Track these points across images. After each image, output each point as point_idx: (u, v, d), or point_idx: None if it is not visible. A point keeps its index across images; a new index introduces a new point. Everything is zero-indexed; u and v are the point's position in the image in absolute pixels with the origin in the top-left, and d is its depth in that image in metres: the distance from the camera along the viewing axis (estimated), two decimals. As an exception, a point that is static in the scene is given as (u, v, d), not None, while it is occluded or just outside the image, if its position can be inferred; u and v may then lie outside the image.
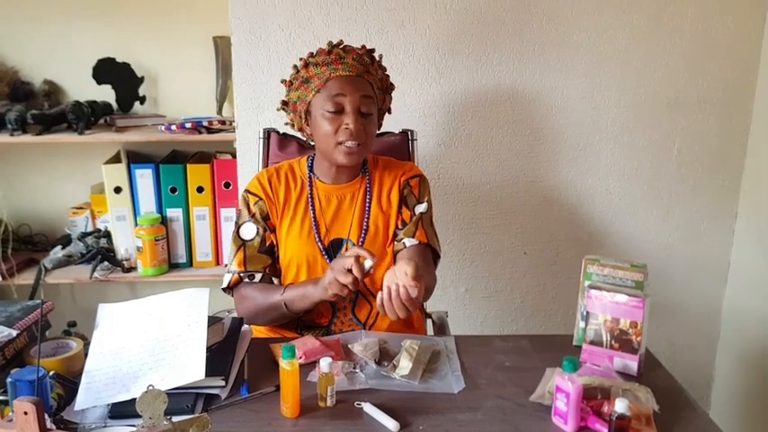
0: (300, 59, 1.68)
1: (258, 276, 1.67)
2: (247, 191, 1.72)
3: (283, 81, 1.72)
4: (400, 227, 1.72)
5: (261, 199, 1.69)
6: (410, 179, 1.75)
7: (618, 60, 2.25)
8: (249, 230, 1.68)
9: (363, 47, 1.68)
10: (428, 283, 1.65)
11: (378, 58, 1.70)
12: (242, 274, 1.66)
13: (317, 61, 1.64)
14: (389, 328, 1.69)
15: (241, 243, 1.68)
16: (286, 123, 1.77)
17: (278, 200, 1.70)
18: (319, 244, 1.68)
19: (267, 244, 1.69)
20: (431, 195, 1.79)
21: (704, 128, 2.33)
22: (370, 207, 1.71)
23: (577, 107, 2.29)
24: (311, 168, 1.74)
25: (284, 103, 1.73)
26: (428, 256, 1.73)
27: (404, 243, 1.70)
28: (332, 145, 1.62)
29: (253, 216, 1.69)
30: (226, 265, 1.74)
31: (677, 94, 2.29)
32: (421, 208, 1.73)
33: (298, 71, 1.68)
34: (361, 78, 1.62)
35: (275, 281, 1.72)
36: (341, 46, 1.66)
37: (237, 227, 1.70)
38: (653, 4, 2.21)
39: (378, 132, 1.77)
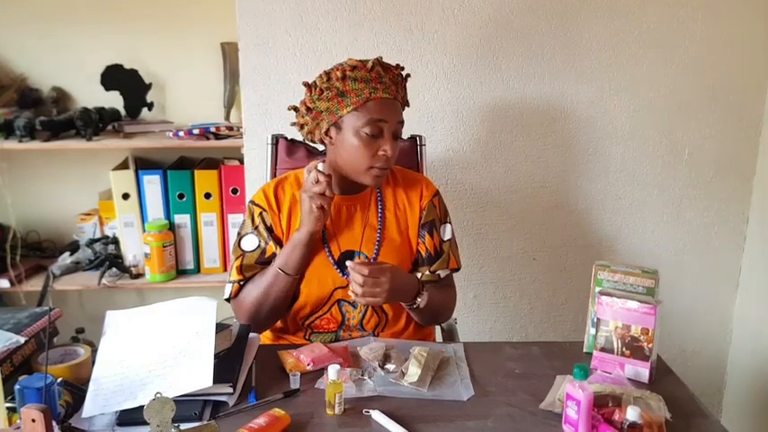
0: (337, 69, 1.56)
1: None
2: (252, 201, 1.70)
3: (306, 84, 1.61)
4: (433, 254, 1.71)
5: (264, 210, 1.67)
6: (433, 198, 1.74)
7: (627, 64, 2.24)
8: (250, 242, 1.67)
9: (398, 66, 1.63)
10: (446, 303, 1.75)
11: (404, 77, 1.66)
12: (241, 283, 1.66)
13: (356, 76, 1.54)
14: (397, 336, 1.69)
15: (240, 253, 1.67)
16: (293, 124, 1.69)
17: (282, 212, 1.67)
18: (330, 257, 1.65)
19: (267, 256, 1.66)
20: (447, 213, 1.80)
21: (715, 132, 2.31)
22: (383, 220, 1.69)
23: (587, 111, 2.28)
24: None
25: (308, 109, 1.61)
26: (451, 279, 1.78)
27: (438, 275, 1.71)
28: (363, 167, 1.58)
29: (256, 228, 1.67)
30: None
31: (687, 98, 2.28)
32: (448, 234, 1.74)
33: (329, 80, 1.56)
34: (397, 102, 1.60)
35: None
36: (380, 63, 1.59)
37: (239, 237, 1.68)
38: (663, 7, 2.20)
39: None
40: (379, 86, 1.55)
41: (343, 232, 1.68)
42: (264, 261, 1.66)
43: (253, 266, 1.66)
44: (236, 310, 1.69)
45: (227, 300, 1.69)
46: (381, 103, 1.56)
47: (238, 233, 1.70)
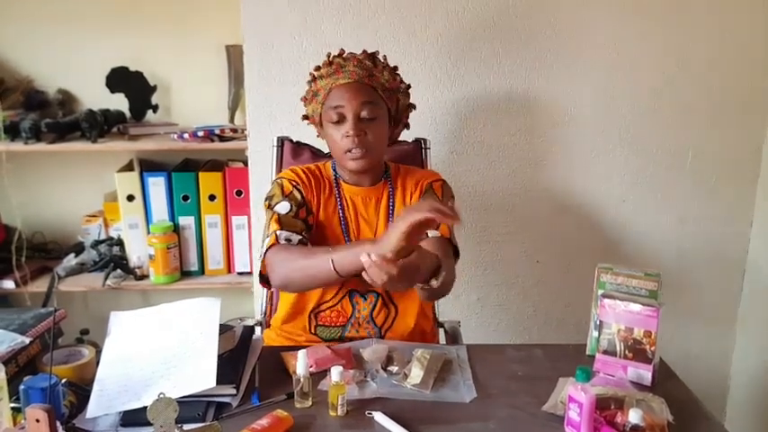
0: (310, 74, 1.71)
1: (296, 239, 1.62)
2: (282, 177, 1.72)
3: (302, 99, 1.75)
4: None
5: (297, 183, 1.70)
6: (433, 182, 1.76)
7: (631, 67, 2.24)
8: (284, 207, 1.66)
9: (364, 51, 1.69)
10: (447, 277, 1.62)
11: (382, 60, 1.70)
12: (279, 233, 1.61)
13: (321, 74, 1.67)
14: (404, 337, 1.70)
15: (274, 213, 1.66)
16: (318, 136, 1.78)
17: (312, 189, 1.71)
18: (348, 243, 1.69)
19: (301, 217, 1.67)
20: (454, 199, 1.79)
21: (718, 134, 2.31)
22: (393, 212, 1.73)
23: (590, 114, 2.27)
24: (335, 171, 1.76)
25: (305, 117, 1.76)
26: (449, 250, 1.69)
27: (426, 233, 1.63)
28: (340, 153, 1.65)
29: (287, 196, 1.67)
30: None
31: (691, 101, 2.28)
32: None
33: (309, 85, 1.71)
34: (361, 84, 1.63)
35: None
36: (342, 55, 1.68)
37: (271, 206, 1.68)
38: (666, 9, 2.20)
39: (398, 138, 1.80)
40: (341, 74, 1.64)
41: (360, 223, 1.72)
42: (301, 220, 1.66)
43: (292, 221, 1.64)
44: (271, 263, 1.60)
45: (262, 257, 1.63)
46: (340, 88, 1.63)
47: (269, 204, 1.69)
